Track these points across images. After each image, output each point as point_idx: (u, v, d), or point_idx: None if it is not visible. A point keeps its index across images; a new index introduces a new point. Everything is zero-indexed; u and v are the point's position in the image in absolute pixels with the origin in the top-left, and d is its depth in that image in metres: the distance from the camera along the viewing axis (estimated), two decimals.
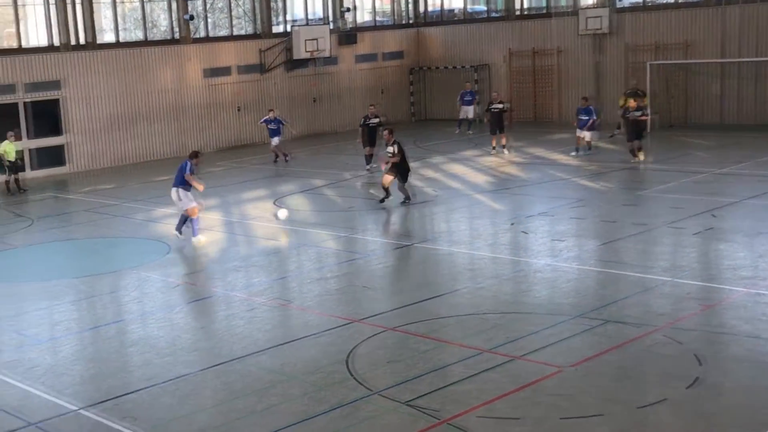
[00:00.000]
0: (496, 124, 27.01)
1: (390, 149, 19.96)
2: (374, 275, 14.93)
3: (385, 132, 20.65)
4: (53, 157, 28.62)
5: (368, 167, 25.01)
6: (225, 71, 32.44)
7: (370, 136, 25.09)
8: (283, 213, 18.51)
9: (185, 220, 17.42)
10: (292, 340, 11.81)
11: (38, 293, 14.68)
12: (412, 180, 21.28)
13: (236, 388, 10.20)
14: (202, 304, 13.92)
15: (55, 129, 28.61)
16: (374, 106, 26.60)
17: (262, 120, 28.95)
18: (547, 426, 8.85)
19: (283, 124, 28.32)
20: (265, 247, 17.28)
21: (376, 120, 25.22)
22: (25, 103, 27.80)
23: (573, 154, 25.93)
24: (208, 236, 17.96)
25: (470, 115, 32.79)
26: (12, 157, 24.74)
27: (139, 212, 21.16)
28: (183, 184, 17.12)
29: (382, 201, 20.08)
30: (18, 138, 25.11)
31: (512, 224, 17.97)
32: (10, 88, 27.51)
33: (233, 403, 9.78)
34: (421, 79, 38.55)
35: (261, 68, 33.40)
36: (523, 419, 8.99)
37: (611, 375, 10.05)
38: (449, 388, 9.89)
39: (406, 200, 20.09)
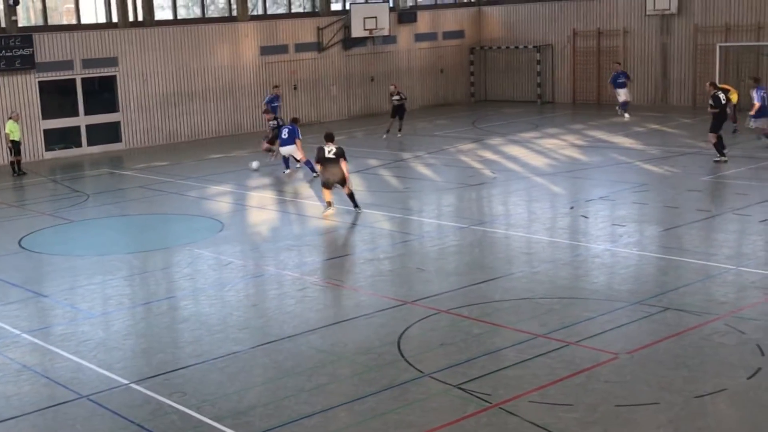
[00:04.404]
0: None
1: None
2: (428, 257, 14.96)
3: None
4: (109, 133, 29.14)
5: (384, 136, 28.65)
6: (282, 49, 32.63)
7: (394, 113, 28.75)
8: (255, 164, 22.81)
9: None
10: (343, 320, 11.92)
11: (92, 268, 15.02)
12: (469, 160, 21.08)
13: (286, 367, 10.33)
14: (254, 283, 14.09)
15: (111, 106, 29.13)
16: (395, 86, 29.63)
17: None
18: (601, 413, 8.82)
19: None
20: (318, 227, 17.41)
21: (398, 98, 28.50)
22: (82, 79, 28.35)
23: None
24: (262, 215, 18.26)
25: (627, 98, 30.70)
26: (17, 136, 24.86)
27: (193, 189, 21.46)
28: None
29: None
30: (17, 119, 25.27)
31: (571, 208, 17.84)
32: (68, 64, 28.05)
33: (282, 382, 9.91)
34: (481, 59, 38.34)
35: (318, 46, 33.54)
36: (575, 405, 8.97)
37: (669, 363, 9.95)
38: (501, 372, 9.90)
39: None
